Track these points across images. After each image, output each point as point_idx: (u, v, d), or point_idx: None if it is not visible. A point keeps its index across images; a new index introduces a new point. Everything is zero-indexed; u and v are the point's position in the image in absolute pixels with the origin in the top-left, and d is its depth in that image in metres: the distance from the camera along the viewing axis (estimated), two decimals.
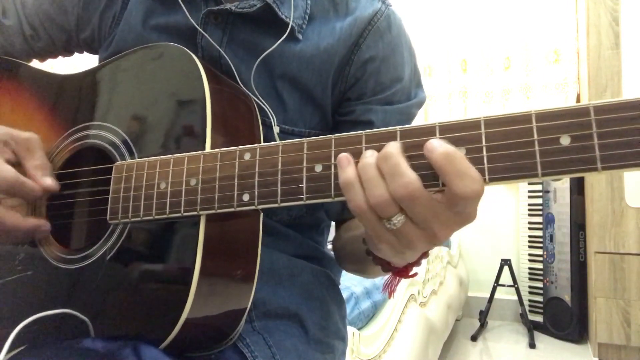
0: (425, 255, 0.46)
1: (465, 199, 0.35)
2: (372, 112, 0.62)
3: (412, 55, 0.67)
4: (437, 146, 0.36)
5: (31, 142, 0.55)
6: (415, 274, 0.50)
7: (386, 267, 0.49)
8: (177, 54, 0.55)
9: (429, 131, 0.38)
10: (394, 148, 0.37)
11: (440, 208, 0.37)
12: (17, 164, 0.54)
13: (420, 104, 0.67)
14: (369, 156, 0.38)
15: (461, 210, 0.37)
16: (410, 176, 0.36)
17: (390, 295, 0.55)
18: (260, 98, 0.58)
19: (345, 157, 0.39)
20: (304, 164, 0.42)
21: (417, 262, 0.48)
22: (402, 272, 0.49)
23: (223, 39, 0.60)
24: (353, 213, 0.40)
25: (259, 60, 0.58)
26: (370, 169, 0.38)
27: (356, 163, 0.39)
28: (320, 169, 0.41)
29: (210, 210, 0.45)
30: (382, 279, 0.61)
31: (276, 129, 0.58)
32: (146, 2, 0.63)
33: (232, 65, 0.59)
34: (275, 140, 0.56)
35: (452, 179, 0.35)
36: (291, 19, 0.59)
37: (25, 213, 0.58)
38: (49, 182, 0.54)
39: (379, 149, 0.39)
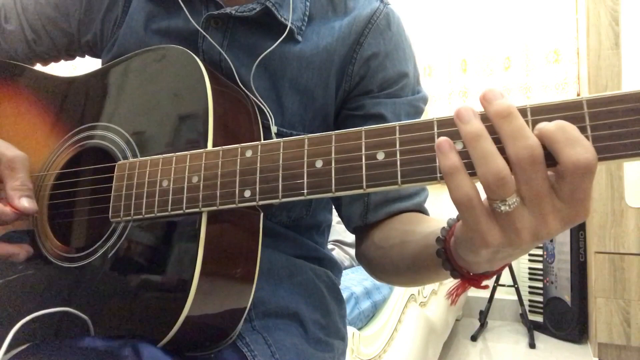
0: (505, 265, 0.43)
1: (575, 170, 0.32)
2: (382, 105, 0.62)
3: (413, 52, 0.67)
4: (544, 123, 0.33)
5: (15, 162, 0.53)
6: (487, 287, 0.46)
7: (458, 272, 0.44)
8: (179, 55, 0.55)
9: (427, 126, 0.38)
10: (514, 108, 0.34)
11: (553, 190, 0.34)
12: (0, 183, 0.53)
13: (425, 100, 0.67)
14: (476, 126, 0.34)
15: (570, 192, 0.33)
16: (534, 139, 0.33)
17: (453, 302, 0.52)
18: (260, 99, 0.58)
19: (446, 141, 0.35)
20: (305, 159, 0.42)
21: (493, 273, 0.44)
22: (475, 280, 0.44)
23: (223, 43, 0.60)
24: (456, 205, 0.36)
25: (257, 61, 0.59)
26: (484, 141, 0.34)
27: (355, 168, 0.37)
28: (320, 165, 0.41)
29: (212, 207, 0.45)
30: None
31: (274, 129, 0.58)
32: (147, 6, 0.63)
33: (233, 67, 0.59)
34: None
35: (562, 147, 0.32)
36: (290, 21, 0.59)
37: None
38: (25, 204, 0.52)
39: (378, 145, 0.39)
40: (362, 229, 0.64)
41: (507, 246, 0.36)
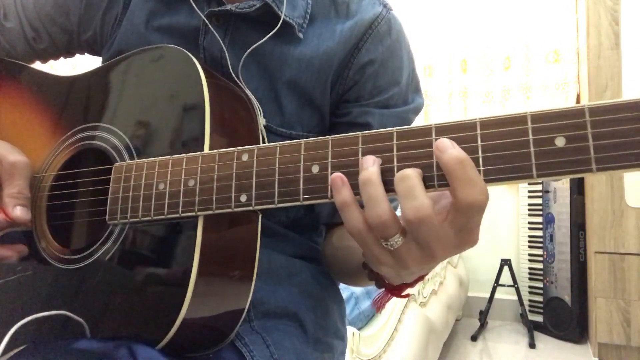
0: (421, 278, 0.46)
1: (469, 209, 0.35)
2: (369, 115, 0.62)
3: (411, 60, 0.67)
4: (449, 147, 0.35)
5: (15, 168, 0.53)
6: (408, 295, 0.50)
7: (381, 283, 0.49)
8: (176, 55, 0.55)
9: (425, 132, 0.38)
10: (412, 170, 0.37)
11: (444, 229, 0.36)
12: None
13: (417, 110, 0.67)
14: (368, 173, 0.37)
15: (463, 225, 0.36)
16: (423, 201, 0.35)
17: (378, 310, 0.55)
18: (249, 92, 0.58)
19: (339, 177, 0.38)
20: (301, 164, 0.41)
21: (412, 284, 0.47)
22: (396, 291, 0.49)
23: (225, 40, 0.60)
24: (349, 234, 0.39)
25: (247, 52, 0.58)
26: (372, 187, 0.37)
27: (351, 174, 0.39)
28: (317, 170, 0.41)
29: (207, 211, 0.45)
30: None
31: (262, 121, 0.58)
32: (148, 3, 0.63)
33: (231, 66, 0.59)
34: (263, 136, 0.57)
35: (461, 185, 0.34)
36: (291, 18, 0.59)
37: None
38: (17, 213, 0.52)
39: (375, 150, 0.39)
40: (328, 227, 0.69)
41: (401, 269, 0.40)
